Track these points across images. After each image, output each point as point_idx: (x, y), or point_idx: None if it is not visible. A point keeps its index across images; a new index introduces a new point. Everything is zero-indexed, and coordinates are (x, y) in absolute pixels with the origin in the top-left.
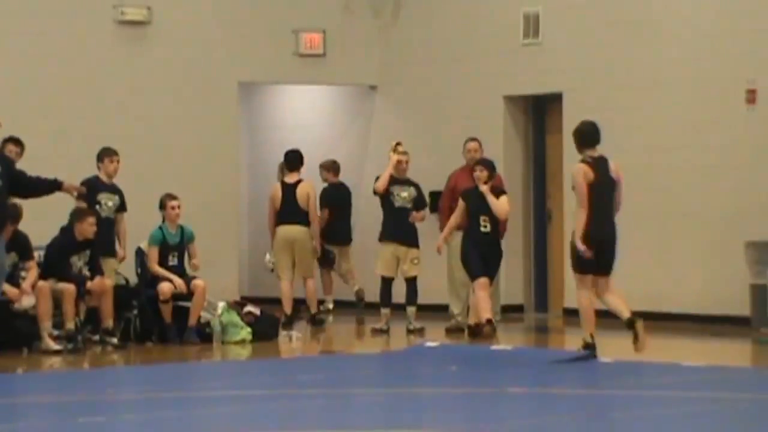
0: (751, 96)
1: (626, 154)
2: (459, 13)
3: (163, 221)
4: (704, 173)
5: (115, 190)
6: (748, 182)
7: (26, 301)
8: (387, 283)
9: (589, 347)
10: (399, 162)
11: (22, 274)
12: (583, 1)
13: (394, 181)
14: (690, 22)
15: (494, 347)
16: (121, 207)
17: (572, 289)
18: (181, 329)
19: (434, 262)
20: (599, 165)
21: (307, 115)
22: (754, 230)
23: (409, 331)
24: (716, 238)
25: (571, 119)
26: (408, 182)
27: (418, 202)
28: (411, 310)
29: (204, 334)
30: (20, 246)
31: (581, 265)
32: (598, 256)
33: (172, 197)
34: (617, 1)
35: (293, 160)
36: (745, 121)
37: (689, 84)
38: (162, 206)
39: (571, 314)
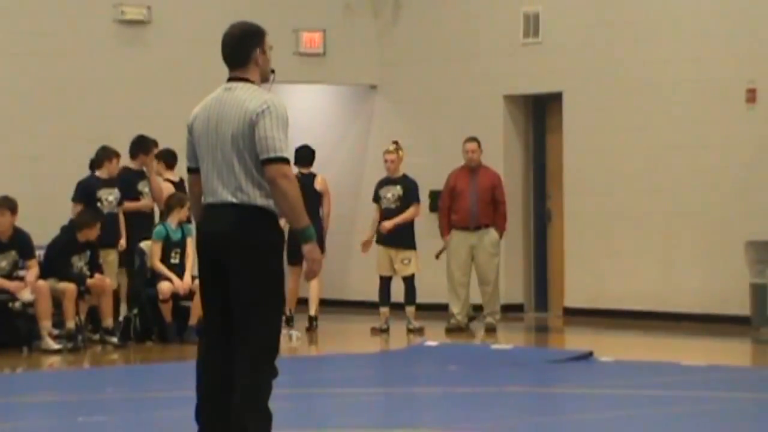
0: (751, 96)
1: (626, 154)
2: (459, 13)
3: (161, 217)
4: (704, 173)
5: (113, 183)
6: (748, 182)
7: (26, 295)
8: (384, 282)
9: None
10: (384, 161)
11: (21, 273)
12: (583, 1)
13: (384, 181)
14: (690, 22)
15: (494, 347)
16: (122, 199)
17: (572, 289)
18: (182, 328)
19: (434, 261)
20: (304, 180)
21: (307, 115)
22: (754, 230)
23: (410, 331)
24: (716, 238)
25: (571, 119)
26: (397, 181)
27: (406, 198)
28: (410, 309)
29: None
30: (21, 244)
31: (292, 259)
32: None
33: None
34: (617, 1)
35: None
36: (745, 121)
37: (689, 84)
38: (171, 206)
39: (571, 313)
